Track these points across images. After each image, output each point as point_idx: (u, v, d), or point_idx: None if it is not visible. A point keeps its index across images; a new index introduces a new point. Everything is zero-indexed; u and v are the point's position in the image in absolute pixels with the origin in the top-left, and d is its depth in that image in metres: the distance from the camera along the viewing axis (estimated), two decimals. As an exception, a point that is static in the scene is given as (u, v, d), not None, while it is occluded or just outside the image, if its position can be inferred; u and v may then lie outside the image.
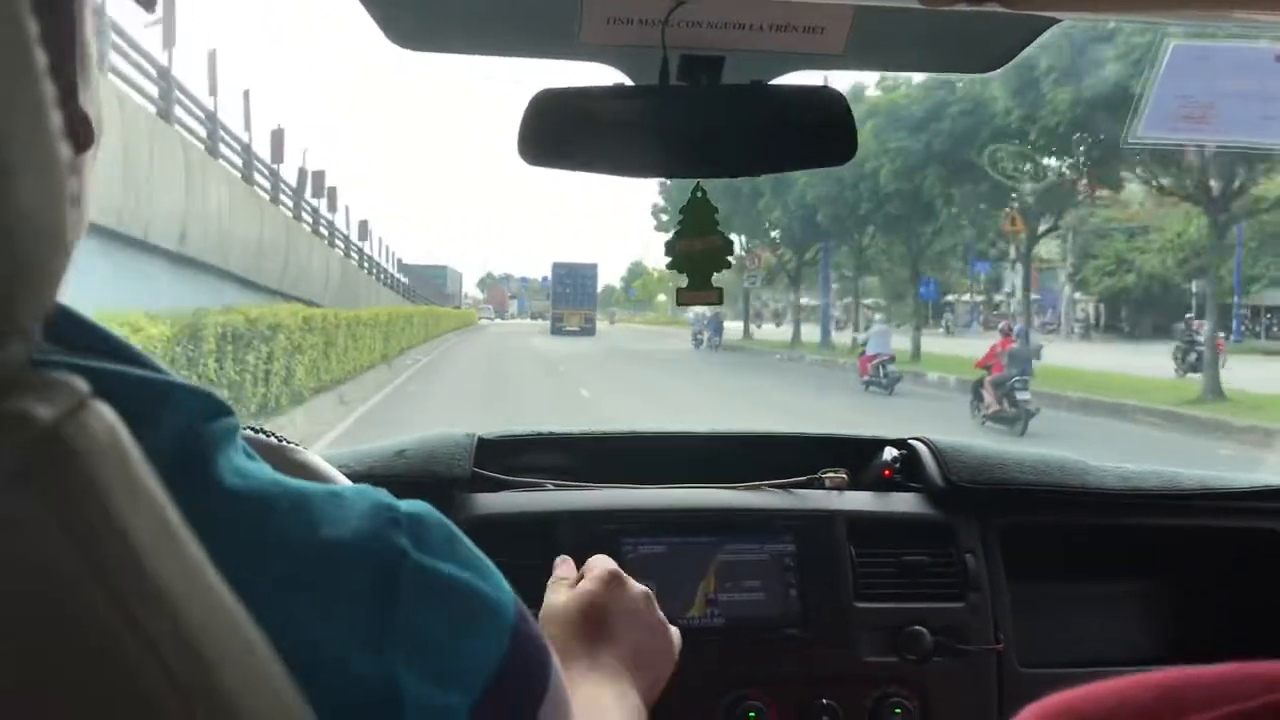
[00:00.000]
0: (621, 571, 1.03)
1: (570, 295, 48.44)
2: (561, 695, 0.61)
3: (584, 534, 1.54)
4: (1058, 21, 1.24)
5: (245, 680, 0.37)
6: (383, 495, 0.55)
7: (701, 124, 1.29)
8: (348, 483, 0.60)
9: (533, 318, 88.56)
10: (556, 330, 46.21)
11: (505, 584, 0.58)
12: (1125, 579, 1.72)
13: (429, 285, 67.18)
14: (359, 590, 0.50)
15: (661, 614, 1.04)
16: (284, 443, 0.90)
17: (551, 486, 1.64)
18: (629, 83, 1.30)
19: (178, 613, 0.34)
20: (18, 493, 0.30)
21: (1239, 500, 1.70)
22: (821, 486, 1.67)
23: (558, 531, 1.54)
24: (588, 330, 46.98)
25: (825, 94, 1.29)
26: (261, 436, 0.89)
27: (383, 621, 0.50)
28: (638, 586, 1.03)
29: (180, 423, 0.47)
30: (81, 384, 0.34)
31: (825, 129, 1.29)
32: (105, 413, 0.35)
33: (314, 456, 0.88)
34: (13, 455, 0.31)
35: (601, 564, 1.05)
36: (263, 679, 0.39)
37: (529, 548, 1.49)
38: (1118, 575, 1.72)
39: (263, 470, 0.51)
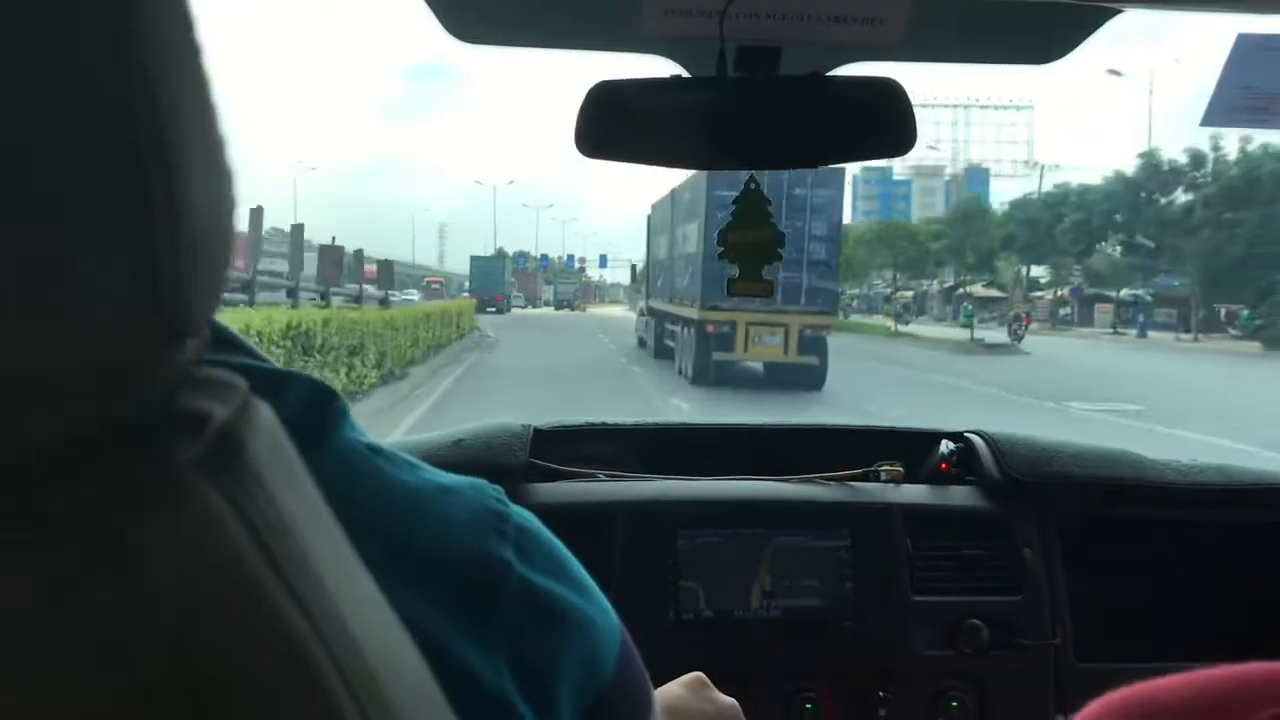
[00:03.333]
0: (708, 680, 0.96)
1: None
2: None
3: (640, 524, 1.55)
4: (1119, 12, 1.22)
5: (396, 671, 0.38)
6: (492, 498, 0.53)
7: (759, 116, 1.28)
8: None
9: (558, 308, 71.39)
10: (704, 369, 16.81)
11: (610, 607, 0.56)
12: (1184, 573, 1.70)
13: (491, 276, 64.32)
14: (462, 594, 0.48)
15: None
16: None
17: (605, 477, 1.65)
18: (686, 75, 1.30)
19: (337, 605, 0.35)
20: (202, 486, 0.32)
21: None
22: (877, 479, 1.67)
23: (614, 522, 1.55)
24: (809, 373, 16.60)
25: (884, 85, 1.27)
26: None
27: (486, 629, 0.48)
28: (725, 698, 0.96)
29: (292, 410, 0.45)
30: (242, 382, 0.36)
31: (884, 120, 1.28)
32: (265, 410, 0.36)
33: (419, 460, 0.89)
34: (197, 450, 0.32)
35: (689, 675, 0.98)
36: (409, 669, 0.40)
37: (585, 538, 1.50)
38: (1176, 569, 1.70)
39: (373, 460, 0.50)
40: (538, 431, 1.65)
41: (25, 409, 0.30)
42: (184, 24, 0.34)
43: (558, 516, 1.52)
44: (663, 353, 20.81)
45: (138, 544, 0.31)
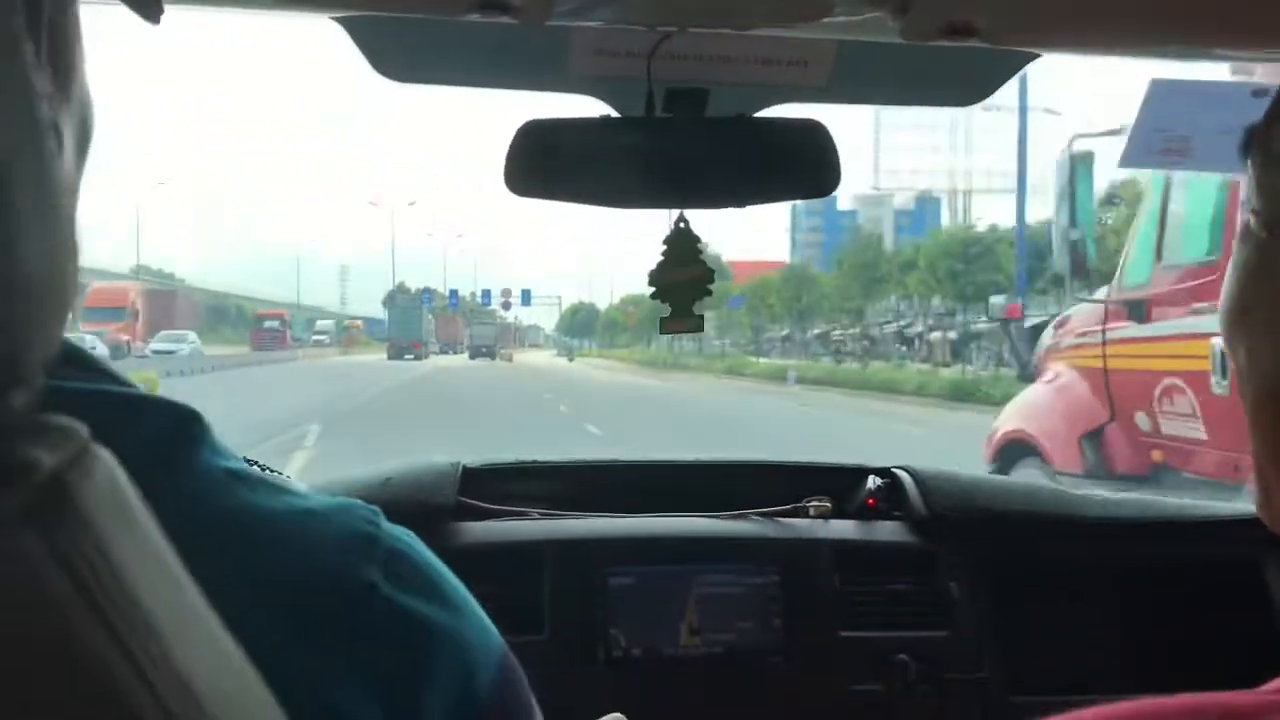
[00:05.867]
0: None
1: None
2: None
3: (569, 563, 1.54)
4: (1038, 56, 1.26)
5: (237, 715, 0.37)
6: (363, 521, 0.51)
7: (686, 156, 1.30)
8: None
9: (474, 356, 59.74)
10: None
11: (491, 628, 0.54)
12: (1108, 606, 1.73)
13: (409, 321, 58.98)
14: (325, 621, 0.47)
15: None
16: (266, 471, 0.90)
17: (536, 515, 1.64)
18: (615, 115, 1.31)
19: (171, 648, 0.34)
20: (20, 535, 0.31)
21: (1216, 529, 1.71)
22: (806, 515, 1.67)
23: (543, 560, 1.54)
24: None
25: (809, 126, 1.31)
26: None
27: (349, 657, 0.47)
28: None
29: (146, 436, 0.45)
30: (83, 430, 0.35)
31: (809, 161, 1.30)
32: (106, 458, 0.36)
33: (297, 485, 0.88)
34: (17, 500, 0.32)
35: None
36: (255, 714, 0.39)
37: (515, 577, 1.50)
38: (1100, 602, 1.73)
39: (232, 485, 0.48)
40: (467, 470, 1.64)
41: None
42: (14, 67, 0.34)
43: (487, 556, 1.54)
44: None
45: None
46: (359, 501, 0.53)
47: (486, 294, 74.71)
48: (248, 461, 0.64)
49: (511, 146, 1.26)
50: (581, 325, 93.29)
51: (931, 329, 45.11)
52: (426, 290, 78.17)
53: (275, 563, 0.47)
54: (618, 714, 0.97)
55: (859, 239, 46.28)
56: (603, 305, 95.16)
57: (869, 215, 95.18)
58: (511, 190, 1.28)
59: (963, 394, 23.63)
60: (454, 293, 78.21)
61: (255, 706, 0.39)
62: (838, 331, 49.24)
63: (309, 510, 0.50)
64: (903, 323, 44.20)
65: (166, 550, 0.37)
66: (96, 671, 0.32)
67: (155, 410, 0.47)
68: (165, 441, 0.46)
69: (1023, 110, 25.97)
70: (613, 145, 1.30)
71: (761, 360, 43.98)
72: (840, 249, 45.43)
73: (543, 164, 1.28)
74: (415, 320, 61.12)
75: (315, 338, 71.84)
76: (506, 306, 75.11)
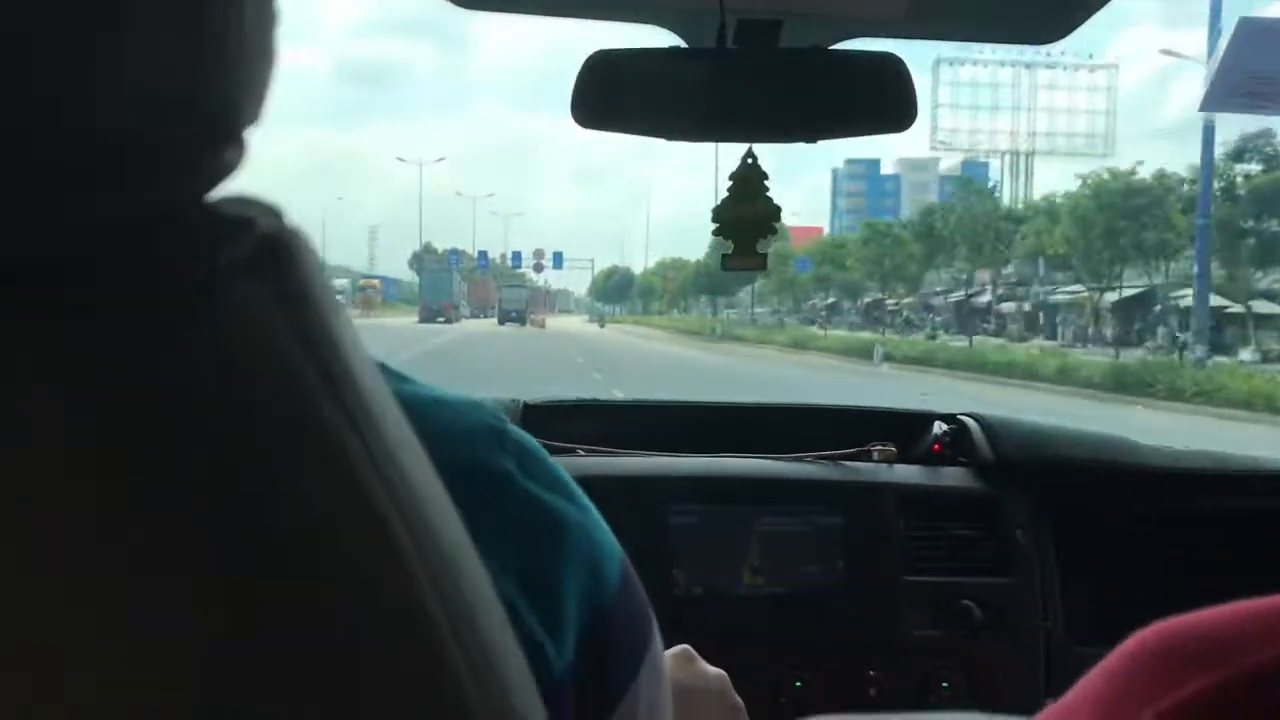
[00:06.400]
0: (694, 653, 0.94)
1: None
2: (662, 661, 0.57)
3: (631, 500, 1.54)
4: None
5: (437, 508, 0.37)
6: (489, 415, 0.51)
7: (759, 88, 1.27)
8: None
9: (503, 320, 58.08)
10: None
11: (610, 531, 0.55)
12: (1178, 557, 1.70)
13: (440, 285, 58.19)
14: (467, 503, 0.45)
15: (738, 697, 0.93)
16: None
17: (593, 452, 1.64)
18: (685, 46, 1.29)
19: (382, 421, 0.34)
20: (248, 282, 0.31)
21: None
22: (870, 459, 1.66)
23: (605, 497, 1.53)
24: None
25: (886, 59, 1.27)
26: None
27: (491, 542, 0.45)
28: (713, 669, 0.93)
29: None
30: (280, 207, 0.35)
31: (885, 95, 1.27)
32: (306, 236, 0.36)
33: None
34: (243, 250, 0.32)
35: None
36: (456, 528, 0.39)
37: None
38: (1170, 553, 1.70)
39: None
40: (528, 406, 1.64)
41: (60, 189, 0.29)
42: None
43: None
44: None
45: (176, 337, 0.30)
46: (483, 398, 0.53)
47: (517, 256, 70.44)
48: None
49: (579, 77, 1.24)
50: (615, 290, 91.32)
51: (1002, 299, 41.81)
52: (454, 251, 73.87)
53: (422, 441, 0.46)
54: (685, 645, 0.96)
55: (969, 190, 39.01)
56: (638, 269, 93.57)
57: (912, 180, 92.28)
58: (579, 122, 1.26)
59: (1130, 384, 19.24)
60: (483, 254, 74.51)
61: (445, 506, 0.39)
62: (891, 301, 46.24)
63: (440, 399, 0.50)
64: (971, 290, 41.29)
65: (360, 337, 0.36)
66: (326, 437, 0.31)
67: None
68: None
69: (1214, 33, 24.00)
70: (683, 77, 1.28)
71: (829, 333, 39.68)
72: (946, 205, 38.82)
73: (611, 95, 1.26)
74: (446, 283, 60.95)
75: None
76: (538, 269, 70.48)
